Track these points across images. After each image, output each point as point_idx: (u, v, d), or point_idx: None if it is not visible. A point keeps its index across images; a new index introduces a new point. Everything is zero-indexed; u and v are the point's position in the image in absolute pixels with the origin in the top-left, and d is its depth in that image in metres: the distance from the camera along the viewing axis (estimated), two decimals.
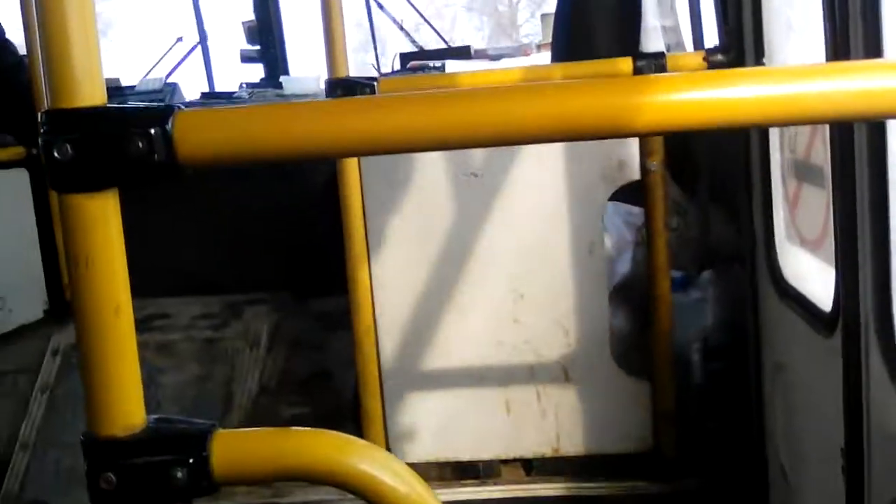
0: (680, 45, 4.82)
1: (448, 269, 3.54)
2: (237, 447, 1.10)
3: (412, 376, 3.61)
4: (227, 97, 6.68)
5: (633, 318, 3.80)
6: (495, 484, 3.58)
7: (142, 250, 4.68)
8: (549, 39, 5.94)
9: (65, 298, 4.68)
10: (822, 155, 2.54)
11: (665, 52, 3.44)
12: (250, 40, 8.09)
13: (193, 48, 8.88)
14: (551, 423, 3.58)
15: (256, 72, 8.25)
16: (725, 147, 3.73)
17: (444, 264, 3.54)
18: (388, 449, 3.56)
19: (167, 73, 8.58)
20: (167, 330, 4.52)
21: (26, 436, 4.18)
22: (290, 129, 1.03)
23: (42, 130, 1.03)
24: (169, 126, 1.03)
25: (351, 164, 3.44)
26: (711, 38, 4.04)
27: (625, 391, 3.55)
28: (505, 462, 3.65)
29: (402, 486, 1.09)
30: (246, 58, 8.23)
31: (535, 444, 3.61)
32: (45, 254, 4.76)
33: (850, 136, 2.10)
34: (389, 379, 3.61)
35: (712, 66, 3.24)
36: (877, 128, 2.00)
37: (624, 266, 3.98)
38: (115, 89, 6.83)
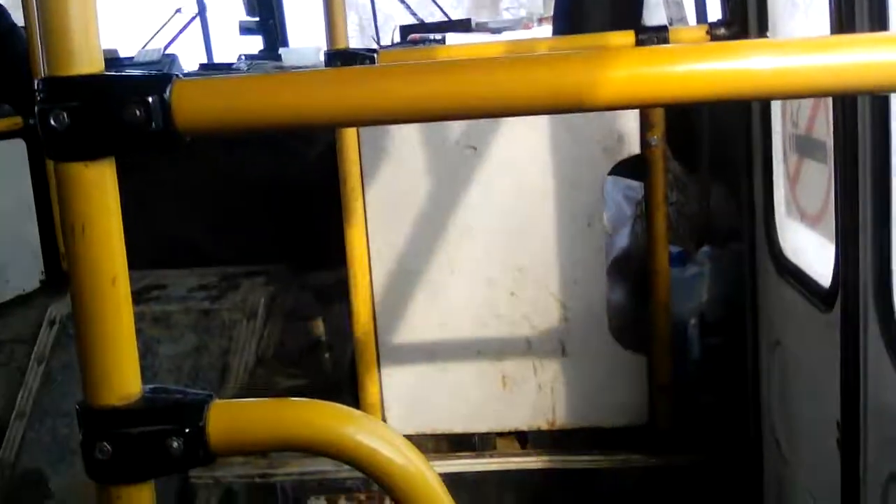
0: (683, 20, 4.80)
1: (446, 242, 3.53)
2: (233, 417, 1.09)
3: (409, 348, 3.61)
4: (226, 68, 6.66)
5: (630, 292, 3.80)
6: (490, 456, 3.58)
7: (139, 221, 4.69)
8: (551, 13, 5.92)
9: (61, 269, 4.68)
10: (824, 129, 2.53)
11: (668, 25, 3.42)
12: (249, 11, 8.06)
13: (192, 19, 8.84)
14: (547, 396, 3.59)
15: (255, 43, 8.22)
16: (727, 122, 3.73)
17: (442, 237, 3.53)
18: (384, 421, 3.58)
19: (165, 44, 8.55)
20: (164, 301, 4.52)
21: (22, 406, 4.19)
22: (287, 98, 1.02)
23: (38, 98, 1.02)
24: (167, 94, 1.02)
25: (349, 137, 3.43)
26: (715, 13, 4.02)
27: (621, 365, 3.55)
28: (500, 435, 3.66)
29: (399, 456, 1.09)
30: (245, 29, 8.20)
31: (530, 417, 3.62)
32: (42, 224, 4.76)
33: (854, 111, 2.09)
34: (386, 351, 3.61)
35: (715, 39, 3.23)
36: (880, 102, 1.99)
37: (622, 240, 3.98)
38: (113, 60, 6.81)
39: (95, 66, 1.02)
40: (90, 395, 1.08)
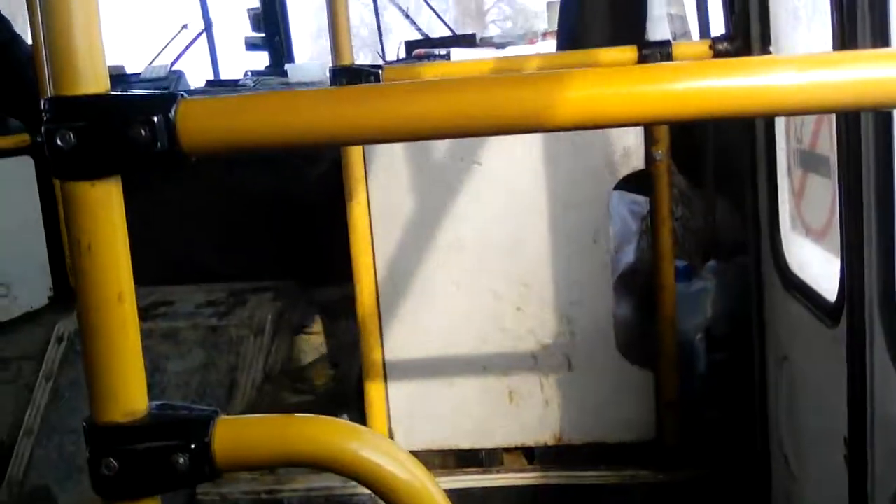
0: (686, 35, 4.82)
1: (452, 258, 3.54)
2: (239, 433, 1.10)
3: (415, 364, 3.61)
4: (232, 85, 6.69)
5: (636, 307, 3.79)
6: (497, 472, 3.58)
7: (147, 238, 4.71)
8: (555, 27, 5.94)
9: (70, 286, 4.69)
10: (828, 144, 2.53)
11: (671, 40, 3.43)
12: (255, 28, 8.10)
13: (198, 35, 8.88)
14: (554, 411, 3.59)
15: (261, 59, 8.26)
16: (731, 137, 3.73)
17: (448, 253, 3.54)
18: (391, 436, 3.58)
19: (172, 60, 8.58)
20: (172, 317, 4.53)
21: (30, 423, 4.20)
22: (293, 117, 1.03)
23: (45, 118, 1.04)
24: (172, 114, 1.03)
25: (355, 153, 3.45)
26: (718, 27, 4.03)
27: (628, 380, 3.55)
28: (507, 450, 3.66)
29: (403, 472, 1.09)
30: (251, 45, 8.24)
31: (537, 433, 3.61)
32: (50, 241, 4.77)
33: (857, 126, 2.09)
34: (393, 367, 3.61)
35: (718, 54, 3.23)
36: (883, 117, 2.00)
37: (628, 255, 3.98)
38: (119, 77, 6.84)
39: (101, 85, 1.03)
40: (96, 412, 1.09)
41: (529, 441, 3.63)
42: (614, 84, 1.03)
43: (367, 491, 1.12)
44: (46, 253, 4.80)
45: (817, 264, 2.69)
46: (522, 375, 3.58)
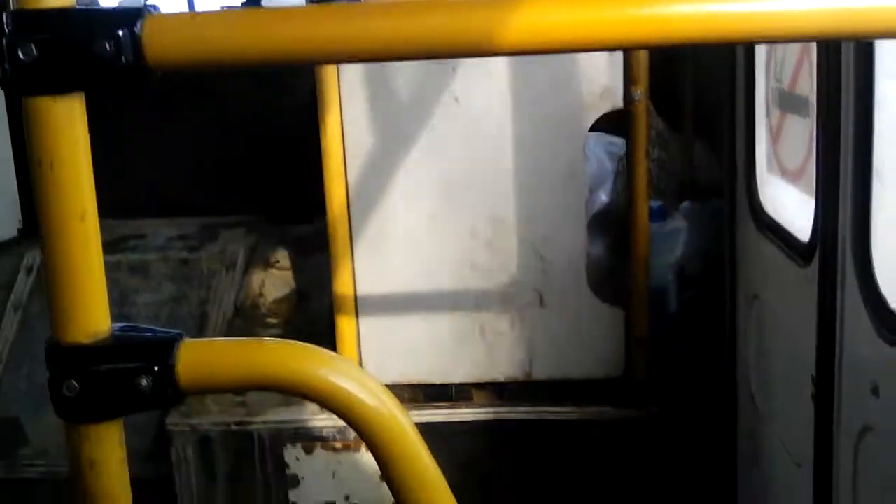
0: None
1: (425, 192, 3.51)
2: (203, 356, 1.08)
3: (387, 299, 3.61)
4: None
5: (610, 247, 3.80)
6: (466, 407, 3.60)
7: (119, 171, 4.66)
8: None
9: None
10: (807, 85, 2.52)
11: None
12: None
13: None
14: (525, 348, 3.60)
15: None
16: (710, 79, 3.71)
17: (423, 188, 3.51)
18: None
19: None
20: (142, 250, 4.50)
21: None
22: (258, 34, 1.00)
23: (6, 31, 1.00)
24: (137, 28, 1.00)
25: (330, 86, 3.40)
26: None
27: (599, 318, 3.56)
28: (477, 386, 3.67)
29: (370, 398, 1.08)
30: None
31: (507, 369, 3.63)
32: (20, 173, 4.70)
33: (838, 66, 2.08)
34: (364, 302, 3.60)
35: None
36: (864, 58, 1.98)
37: (604, 195, 3.98)
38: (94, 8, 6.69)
39: (65, 0, 1.00)
40: (59, 333, 1.07)
41: (499, 377, 3.65)
42: (590, 6, 1.01)
43: (337, 423, 1.11)
44: (16, 184, 4.73)
45: (792, 205, 2.69)
46: (494, 311, 3.58)
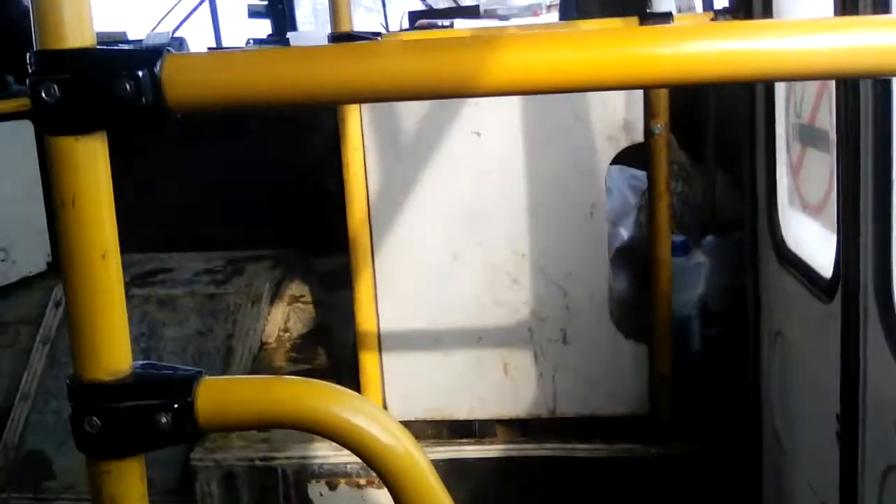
0: (692, 10, 4.80)
1: (449, 229, 3.53)
2: (222, 394, 1.09)
3: (411, 335, 3.61)
4: None
5: (633, 281, 3.79)
6: (491, 443, 3.59)
7: (147, 206, 4.72)
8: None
9: None
10: (827, 119, 2.52)
11: (671, 12, 3.41)
12: None
13: (201, 2, 8.84)
14: (548, 384, 3.59)
15: (264, 27, 8.23)
16: (732, 113, 3.71)
17: (445, 224, 3.53)
18: (385, 407, 3.58)
19: (174, 27, 8.55)
20: (170, 284, 4.53)
21: (27, 387, 4.21)
22: (277, 75, 1.02)
23: (30, 71, 1.02)
24: (157, 69, 1.02)
25: (352, 122, 3.43)
26: (722, 2, 4.01)
27: (623, 354, 3.55)
28: (501, 422, 3.66)
29: (386, 436, 1.08)
30: (254, 13, 8.21)
31: (531, 405, 3.62)
32: (49, 206, 4.76)
33: (857, 101, 2.08)
34: (388, 337, 3.61)
35: None
36: (883, 92, 1.98)
37: (626, 230, 3.97)
38: (121, 42, 6.81)
39: (87, 40, 1.02)
40: (80, 370, 1.08)
41: (523, 413, 3.64)
42: (614, 45, 1.01)
43: (360, 460, 1.11)
44: (45, 218, 4.80)
45: (814, 240, 2.68)
46: (517, 347, 3.58)
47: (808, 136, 2.74)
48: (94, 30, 1.04)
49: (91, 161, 1.04)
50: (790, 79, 1.27)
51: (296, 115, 4.72)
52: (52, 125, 1.03)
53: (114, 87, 1.01)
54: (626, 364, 3.55)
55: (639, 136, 3.43)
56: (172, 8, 8.75)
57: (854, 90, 2.08)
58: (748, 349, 3.20)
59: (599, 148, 3.43)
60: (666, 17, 3.27)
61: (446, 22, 7.04)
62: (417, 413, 3.64)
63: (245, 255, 4.75)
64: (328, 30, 3.41)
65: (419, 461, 1.11)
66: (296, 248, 4.80)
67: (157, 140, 4.66)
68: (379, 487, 3.48)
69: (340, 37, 3.19)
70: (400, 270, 3.57)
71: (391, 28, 8.40)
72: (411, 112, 3.45)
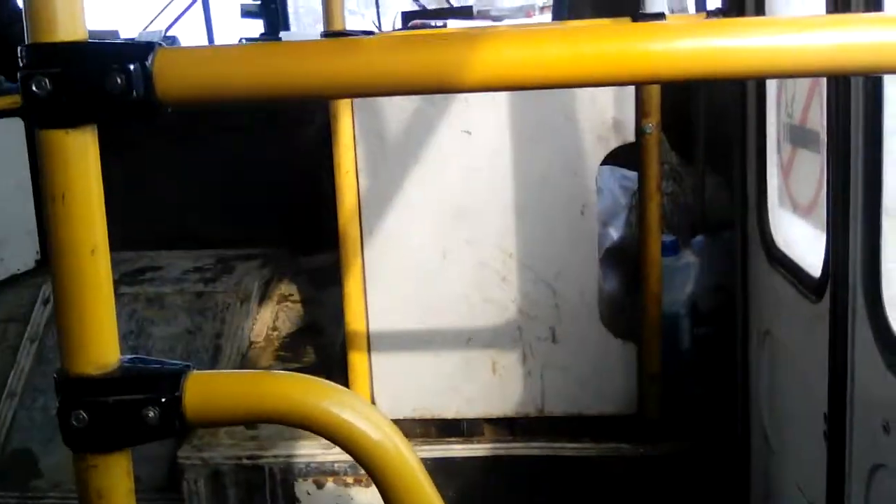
0: (685, 11, 4.81)
1: (438, 227, 3.53)
2: (210, 388, 1.09)
3: (400, 334, 3.61)
4: None
5: (623, 281, 3.80)
6: (479, 442, 3.59)
7: (137, 203, 4.70)
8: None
9: None
10: (818, 120, 2.53)
11: (664, 12, 3.40)
12: None
13: (194, 2, 8.81)
14: (537, 383, 3.59)
15: (257, 27, 8.20)
16: (723, 113, 3.72)
17: (435, 222, 3.53)
18: (373, 405, 3.57)
19: (167, 26, 8.53)
20: (159, 282, 4.52)
21: (14, 385, 4.19)
22: (268, 68, 1.02)
23: (21, 64, 1.02)
24: (148, 62, 1.01)
25: (343, 120, 3.43)
26: (715, 3, 4.02)
27: (611, 353, 3.55)
28: (489, 421, 3.66)
29: (375, 431, 1.08)
30: (246, 12, 8.17)
31: (519, 404, 3.62)
32: (39, 204, 4.75)
33: (847, 101, 2.09)
34: (377, 336, 3.61)
35: None
36: (873, 93, 1.99)
37: (617, 230, 3.98)
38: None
39: (79, 33, 1.02)
40: (68, 364, 1.08)
41: (511, 412, 3.64)
42: (605, 41, 1.01)
43: (349, 458, 1.11)
44: (35, 216, 4.78)
45: (803, 240, 2.69)
46: (506, 346, 3.58)
47: (798, 136, 2.75)
48: (86, 24, 1.03)
49: (81, 155, 1.04)
50: (781, 75, 1.27)
51: (287, 114, 4.72)
52: (42, 118, 1.02)
53: (105, 81, 1.00)
54: (614, 363, 3.56)
55: (630, 136, 3.43)
56: (165, 7, 8.73)
57: (845, 90, 2.09)
58: (737, 349, 3.21)
59: (590, 147, 3.44)
60: (658, 17, 3.27)
61: (439, 22, 7.03)
62: (406, 412, 3.63)
63: (234, 254, 4.74)
64: (310, 32, 3.41)
65: (408, 457, 1.11)
66: (285, 247, 4.80)
67: (148, 138, 4.66)
68: (366, 486, 3.47)
69: (333, 35, 3.18)
70: (389, 268, 3.57)
71: (384, 28, 8.39)
72: (402, 110, 3.45)
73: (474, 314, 3.56)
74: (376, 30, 8.13)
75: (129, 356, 1.10)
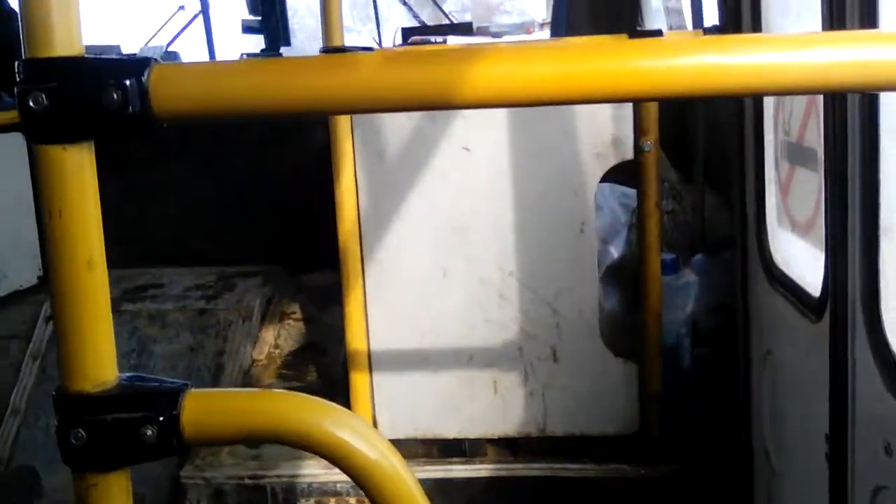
0: (683, 28, 4.82)
1: (438, 245, 3.53)
2: (208, 407, 1.09)
3: (401, 353, 3.61)
4: None
5: (623, 299, 3.79)
6: (481, 462, 3.58)
7: (139, 221, 4.70)
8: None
9: None
10: (815, 137, 2.53)
11: (661, 30, 3.41)
12: (252, 10, 8.06)
13: (195, 17, 8.86)
14: (538, 402, 3.58)
15: (258, 42, 8.23)
16: (722, 131, 3.73)
17: (435, 240, 3.53)
18: (375, 425, 3.57)
19: (168, 41, 8.57)
20: (161, 300, 4.53)
21: (17, 402, 4.19)
22: (263, 84, 1.02)
23: (18, 79, 1.03)
24: (144, 78, 1.02)
25: (343, 139, 3.43)
26: (712, 20, 4.03)
27: (612, 372, 3.55)
28: (491, 441, 3.65)
29: (372, 451, 1.08)
30: (247, 28, 8.20)
31: (521, 424, 3.61)
32: (40, 222, 4.75)
33: (844, 119, 2.09)
34: (378, 355, 3.60)
35: None
36: (870, 111, 1.99)
37: (617, 248, 3.98)
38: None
39: (75, 48, 1.02)
40: (66, 381, 1.08)
41: (513, 432, 3.62)
42: (602, 58, 1.02)
43: (348, 478, 1.11)
44: (37, 232, 4.78)
45: (802, 259, 2.68)
46: (507, 366, 3.57)
47: (796, 154, 2.75)
48: (83, 39, 1.04)
49: (78, 170, 1.04)
50: (778, 93, 1.27)
51: (288, 131, 4.74)
52: (39, 134, 1.03)
53: (101, 96, 1.01)
54: (615, 383, 3.55)
55: (628, 153, 3.43)
56: (166, 22, 8.78)
57: (842, 107, 2.09)
58: (738, 368, 3.20)
59: (588, 165, 3.44)
60: (655, 34, 3.28)
61: (439, 38, 7.06)
62: (407, 432, 3.62)
63: (236, 271, 4.74)
64: (306, 48, 3.41)
65: (405, 477, 1.10)
66: (287, 265, 4.80)
67: (150, 156, 4.67)
68: None
69: (332, 51, 3.19)
70: (390, 286, 3.57)
71: (384, 44, 8.42)
72: (401, 127, 3.46)
73: (475, 333, 3.56)
74: (376, 46, 8.16)
75: (128, 374, 1.10)
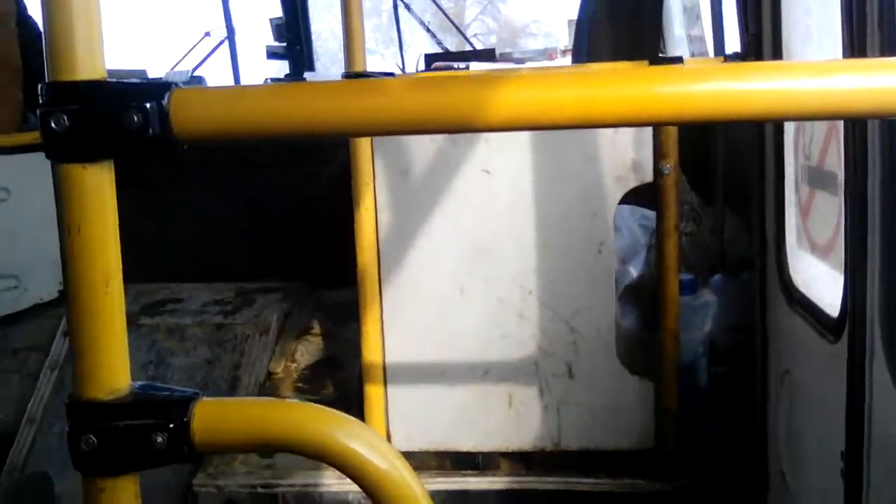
0: (705, 55, 4.83)
1: (457, 265, 3.54)
2: (219, 415, 1.11)
3: (417, 367, 3.62)
4: None
5: (641, 318, 3.79)
6: (494, 476, 3.58)
7: (159, 237, 4.74)
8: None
9: None
10: (835, 161, 2.53)
11: (682, 56, 3.42)
12: (277, 37, 8.13)
13: (221, 43, 8.93)
14: (553, 417, 3.58)
15: (282, 68, 8.30)
16: (742, 154, 3.73)
17: (454, 259, 3.54)
18: (389, 438, 3.58)
19: (194, 66, 8.64)
20: (179, 314, 4.56)
21: (33, 411, 4.23)
22: (281, 107, 1.04)
23: (41, 101, 1.05)
24: (165, 101, 1.05)
25: (363, 158, 3.46)
26: (734, 47, 4.04)
27: (628, 390, 3.54)
28: (505, 455, 3.65)
29: (383, 462, 1.09)
30: (272, 54, 8.27)
31: (536, 439, 3.61)
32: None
33: (864, 143, 2.09)
34: (394, 369, 3.62)
35: None
36: (890, 134, 2.00)
37: (636, 268, 3.98)
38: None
39: (97, 71, 1.05)
40: (79, 389, 1.10)
41: (527, 446, 3.63)
42: (624, 84, 1.03)
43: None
44: (58, 248, 4.83)
45: (822, 280, 2.68)
46: (523, 381, 3.57)
47: (816, 178, 2.75)
48: (106, 63, 1.07)
49: (98, 189, 1.07)
50: (798, 118, 1.28)
51: (307, 150, 4.78)
52: (60, 153, 1.06)
53: (122, 118, 1.04)
54: (631, 399, 3.54)
55: (648, 176, 3.44)
56: (192, 48, 8.84)
57: (862, 132, 2.10)
58: (755, 387, 3.19)
59: (608, 187, 3.45)
60: (677, 61, 3.29)
61: (462, 64, 7.07)
62: (422, 445, 3.63)
63: (255, 287, 4.77)
64: (328, 73, 3.44)
65: (415, 488, 1.12)
66: (305, 281, 4.83)
67: (171, 174, 4.72)
68: None
69: (354, 77, 3.21)
70: (407, 303, 3.58)
71: (408, 70, 8.45)
72: (422, 148, 3.48)
73: (491, 349, 3.57)
74: (399, 71, 8.19)
75: (141, 383, 1.12)
